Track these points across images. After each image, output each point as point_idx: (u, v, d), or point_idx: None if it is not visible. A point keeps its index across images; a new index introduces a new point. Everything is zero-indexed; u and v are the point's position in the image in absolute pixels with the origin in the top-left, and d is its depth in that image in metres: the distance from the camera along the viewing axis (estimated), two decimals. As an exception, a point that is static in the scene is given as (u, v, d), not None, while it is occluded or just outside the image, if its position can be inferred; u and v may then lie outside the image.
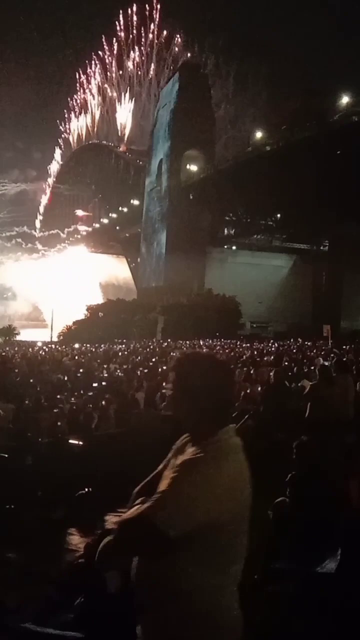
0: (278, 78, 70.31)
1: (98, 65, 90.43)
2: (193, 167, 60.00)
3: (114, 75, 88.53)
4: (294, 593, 3.02)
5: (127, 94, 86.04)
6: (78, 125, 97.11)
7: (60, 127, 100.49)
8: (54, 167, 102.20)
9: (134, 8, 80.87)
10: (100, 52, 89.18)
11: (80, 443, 6.30)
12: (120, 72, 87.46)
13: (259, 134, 53.58)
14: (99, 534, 3.53)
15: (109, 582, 2.30)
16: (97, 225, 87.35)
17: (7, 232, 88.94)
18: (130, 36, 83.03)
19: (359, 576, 2.92)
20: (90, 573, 2.38)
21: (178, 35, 76.43)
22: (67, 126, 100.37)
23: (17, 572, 3.67)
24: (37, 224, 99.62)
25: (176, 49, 77.59)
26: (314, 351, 22.83)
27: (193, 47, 74.06)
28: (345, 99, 40.90)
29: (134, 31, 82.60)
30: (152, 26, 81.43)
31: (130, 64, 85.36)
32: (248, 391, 10.97)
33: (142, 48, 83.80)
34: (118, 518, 5.02)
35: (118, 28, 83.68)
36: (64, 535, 4.77)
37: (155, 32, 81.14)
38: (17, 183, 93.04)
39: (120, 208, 79.07)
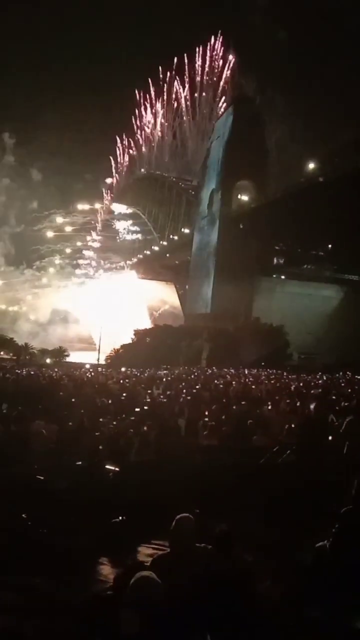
0: (332, 109, 70.13)
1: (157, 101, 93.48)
2: (244, 197, 60.44)
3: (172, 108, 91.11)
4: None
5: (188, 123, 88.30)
6: (133, 154, 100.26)
7: (118, 158, 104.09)
8: (106, 198, 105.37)
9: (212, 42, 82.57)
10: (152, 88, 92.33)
11: (117, 469, 6.24)
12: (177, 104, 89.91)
13: (311, 165, 53.47)
14: (129, 565, 3.45)
15: (124, 623, 2.21)
16: (148, 253, 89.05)
17: (61, 259, 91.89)
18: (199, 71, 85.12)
19: None
20: (109, 611, 2.30)
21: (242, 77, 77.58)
22: (122, 158, 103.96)
23: (40, 600, 3.61)
24: (91, 252, 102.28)
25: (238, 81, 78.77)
26: (364, 386, 21.98)
27: (249, 80, 75.24)
28: None
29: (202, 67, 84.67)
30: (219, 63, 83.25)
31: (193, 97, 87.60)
32: (293, 425, 10.66)
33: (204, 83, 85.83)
34: (151, 550, 4.90)
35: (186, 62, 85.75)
36: (95, 564, 4.68)
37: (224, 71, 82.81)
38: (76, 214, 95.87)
39: (171, 236, 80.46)
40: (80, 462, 6.95)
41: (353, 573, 3.44)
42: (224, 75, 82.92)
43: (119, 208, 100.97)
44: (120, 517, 5.39)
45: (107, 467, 6.31)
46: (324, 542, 3.90)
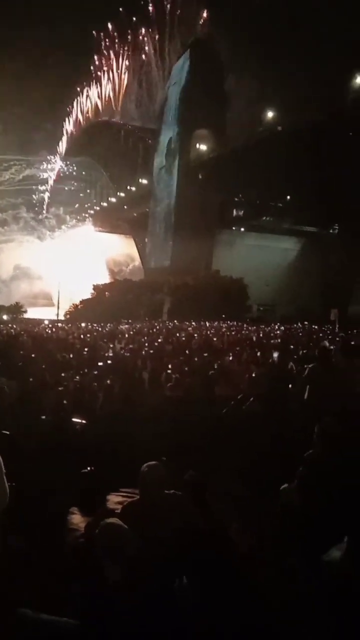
0: (293, 59, 68.49)
1: (111, 41, 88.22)
2: (203, 147, 59.16)
3: (126, 52, 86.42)
4: (300, 581, 2.94)
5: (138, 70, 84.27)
6: (91, 101, 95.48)
7: (70, 106, 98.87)
8: (63, 147, 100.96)
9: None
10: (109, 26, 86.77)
11: (83, 422, 6.24)
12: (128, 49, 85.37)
13: (270, 114, 52.60)
14: (99, 513, 3.48)
15: (106, 570, 2.23)
16: (105, 204, 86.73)
17: (17, 212, 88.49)
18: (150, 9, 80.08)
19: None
20: (89, 560, 2.33)
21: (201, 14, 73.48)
22: (77, 103, 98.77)
23: (17, 557, 3.63)
24: (45, 204, 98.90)
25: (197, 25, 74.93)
26: (321, 335, 22.67)
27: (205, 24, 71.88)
28: (358, 81, 39.97)
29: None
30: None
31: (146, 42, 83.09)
32: (254, 375, 10.92)
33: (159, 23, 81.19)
34: (121, 498, 4.95)
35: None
36: (65, 514, 4.72)
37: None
38: (25, 164, 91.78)
39: (128, 187, 78.40)
40: (44, 417, 6.92)
41: (320, 515, 3.59)
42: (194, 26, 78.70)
43: (76, 158, 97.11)
44: (88, 468, 5.43)
45: (74, 420, 6.31)
46: (290, 485, 4.04)
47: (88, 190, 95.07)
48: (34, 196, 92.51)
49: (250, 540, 3.42)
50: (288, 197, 56.29)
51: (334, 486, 3.61)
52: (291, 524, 3.57)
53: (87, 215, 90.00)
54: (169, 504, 3.29)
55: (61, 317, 50.57)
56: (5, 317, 48.70)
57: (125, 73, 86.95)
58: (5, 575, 3.10)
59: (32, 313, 53.17)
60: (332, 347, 7.74)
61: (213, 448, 6.14)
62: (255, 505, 4.59)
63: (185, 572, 2.53)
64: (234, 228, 61.85)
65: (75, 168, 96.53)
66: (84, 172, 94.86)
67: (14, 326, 35.30)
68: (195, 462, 5.50)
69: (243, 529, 3.87)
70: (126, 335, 23.56)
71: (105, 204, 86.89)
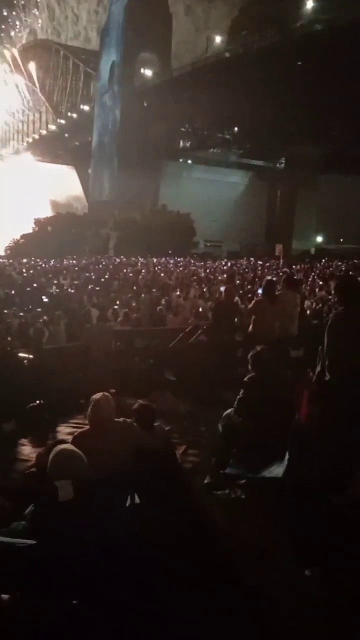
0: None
1: None
2: (148, 72, 56.03)
3: None
4: (242, 498, 3.17)
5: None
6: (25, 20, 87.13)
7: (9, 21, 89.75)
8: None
9: None
10: None
11: (30, 356, 6.19)
12: None
13: (218, 39, 50.12)
14: (50, 443, 3.53)
15: (60, 490, 2.29)
16: (44, 132, 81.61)
17: None
18: None
19: (304, 479, 3.07)
20: (42, 482, 2.38)
21: None
22: (15, 20, 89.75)
23: None
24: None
25: None
26: (266, 270, 23.10)
27: None
28: (309, 4, 38.40)
29: None
30: None
31: None
32: (200, 309, 11.10)
33: None
34: (71, 429, 5.04)
35: None
36: (15, 446, 4.77)
37: None
38: None
39: (69, 114, 73.78)
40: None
41: (257, 434, 3.83)
42: None
43: (10, 81, 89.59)
44: (37, 401, 5.46)
45: (21, 355, 6.24)
46: (231, 409, 4.27)
47: (26, 117, 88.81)
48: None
49: (197, 460, 3.62)
50: (235, 128, 54.93)
51: (267, 405, 3.85)
52: (231, 441, 3.79)
53: (24, 143, 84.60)
54: (119, 430, 3.37)
55: (1, 253, 48.54)
56: None
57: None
58: None
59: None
60: (275, 280, 7.90)
61: (160, 375, 6.30)
62: (200, 426, 4.83)
63: (135, 490, 2.64)
64: (180, 160, 60.21)
65: (12, 91, 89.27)
66: (22, 97, 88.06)
67: None
68: (143, 389, 5.65)
69: (187, 449, 4.09)
70: (71, 271, 23.05)
71: (44, 132, 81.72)
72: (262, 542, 2.97)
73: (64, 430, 5.09)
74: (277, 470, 3.27)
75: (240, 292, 12.88)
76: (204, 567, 2.45)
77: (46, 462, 2.63)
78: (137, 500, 2.58)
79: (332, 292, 9.32)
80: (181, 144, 59.61)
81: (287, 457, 3.27)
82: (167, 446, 3.47)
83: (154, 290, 14.99)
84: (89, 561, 2.11)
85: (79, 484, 2.31)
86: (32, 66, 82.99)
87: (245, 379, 4.29)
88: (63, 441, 3.25)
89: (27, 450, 4.72)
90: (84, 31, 78.09)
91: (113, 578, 2.14)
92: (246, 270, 24.05)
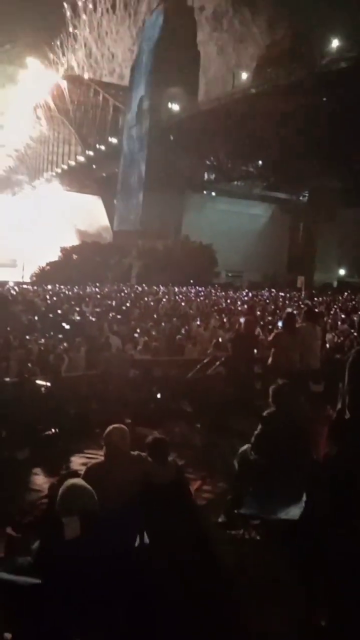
0: (267, 19, 66.89)
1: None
2: (175, 106, 57.58)
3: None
4: (256, 539, 3.05)
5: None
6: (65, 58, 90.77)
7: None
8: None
9: None
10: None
11: (48, 384, 6.19)
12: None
13: (244, 75, 51.36)
14: (63, 474, 3.49)
15: (66, 527, 2.24)
16: (73, 163, 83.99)
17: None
18: None
19: (322, 522, 2.95)
20: (49, 516, 2.33)
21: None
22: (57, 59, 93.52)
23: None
24: (11, 161, 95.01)
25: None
26: (287, 302, 22.99)
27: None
28: (335, 43, 39.24)
29: None
30: None
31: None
32: (220, 340, 11.05)
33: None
34: (84, 459, 4.98)
35: None
36: (28, 475, 4.73)
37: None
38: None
39: (97, 146, 75.97)
40: (9, 379, 6.84)
41: (274, 472, 3.71)
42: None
43: (43, 113, 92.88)
44: (52, 430, 5.43)
45: (38, 382, 6.25)
46: (247, 445, 4.16)
47: (56, 148, 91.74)
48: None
49: (210, 497, 3.52)
50: (260, 162, 55.69)
51: (285, 442, 3.73)
52: (246, 479, 3.67)
53: (54, 173, 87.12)
54: (132, 463, 3.31)
55: (26, 279, 49.43)
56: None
57: (98, 29, 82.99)
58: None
59: (-5, 274, 51.72)
60: (296, 313, 7.85)
61: (177, 406, 6.22)
62: (215, 461, 4.72)
63: (145, 528, 2.56)
64: (204, 192, 61.10)
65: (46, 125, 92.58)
66: (54, 130, 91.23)
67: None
68: (158, 420, 5.58)
69: (205, 487, 3.98)
70: (93, 298, 23.30)
71: (73, 163, 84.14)
72: (273, 586, 2.84)
73: (78, 461, 5.03)
74: (293, 512, 3.16)
75: (261, 323, 12.80)
76: (210, 611, 2.34)
77: (57, 493, 2.58)
78: (146, 539, 2.50)
79: (356, 326, 9.21)
80: (205, 176, 60.61)
81: (304, 498, 3.15)
82: (180, 481, 3.39)
83: (174, 319, 15.01)
84: (93, 603, 2.04)
85: (87, 522, 2.26)
86: (63, 99, 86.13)
87: (264, 413, 4.19)
88: (76, 472, 3.21)
89: (40, 480, 4.67)
90: (119, 68, 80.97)
91: (116, 621, 2.06)
92: (267, 301, 23.97)
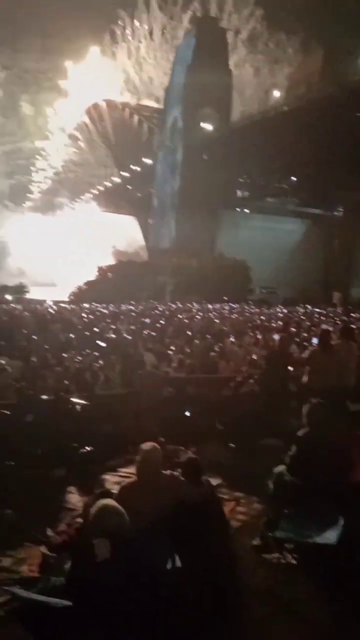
0: (300, 36, 67.32)
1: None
2: (208, 126, 58.30)
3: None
4: (292, 563, 2.98)
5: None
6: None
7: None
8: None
9: None
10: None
11: (83, 402, 6.27)
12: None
13: (277, 93, 51.61)
14: (97, 493, 3.51)
15: (97, 549, 2.24)
16: (109, 184, 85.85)
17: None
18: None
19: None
20: (81, 537, 2.34)
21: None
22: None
23: (12, 531, 3.66)
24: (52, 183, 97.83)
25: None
26: (322, 318, 22.59)
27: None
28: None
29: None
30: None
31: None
32: (254, 357, 10.93)
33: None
34: (118, 478, 5.01)
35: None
36: (63, 494, 4.77)
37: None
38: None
39: (132, 167, 77.53)
40: (46, 397, 6.95)
41: (310, 494, 3.62)
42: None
43: (83, 137, 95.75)
44: (87, 448, 5.48)
45: (74, 400, 6.33)
46: (282, 466, 4.08)
47: (94, 170, 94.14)
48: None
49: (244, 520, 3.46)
50: (293, 178, 55.54)
51: (321, 464, 3.65)
52: (282, 501, 3.60)
53: (91, 195, 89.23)
54: (166, 483, 3.31)
55: (64, 298, 50.47)
56: (8, 297, 48.58)
57: (135, 52, 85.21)
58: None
59: (35, 293, 53.01)
60: (332, 330, 7.71)
61: (210, 425, 6.18)
62: (249, 482, 4.64)
63: (177, 550, 2.54)
64: (238, 209, 61.22)
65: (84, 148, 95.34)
66: (92, 153, 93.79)
67: (17, 306, 35.27)
68: (192, 439, 5.55)
69: (236, 506, 3.91)
70: (128, 316, 23.53)
71: (109, 184, 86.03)
72: (308, 611, 2.76)
73: (112, 479, 5.06)
74: (329, 536, 3.07)
75: (296, 340, 12.60)
76: (243, 635, 2.29)
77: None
78: (177, 561, 2.47)
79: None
80: (239, 193, 60.81)
81: (341, 521, 3.07)
82: (213, 502, 3.35)
83: (208, 336, 14.97)
84: (122, 626, 2.03)
85: (117, 543, 2.25)
86: (102, 122, 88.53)
87: (299, 433, 4.12)
88: (109, 492, 3.22)
89: (75, 499, 4.70)
90: (156, 91, 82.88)
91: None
92: (302, 318, 23.62)
